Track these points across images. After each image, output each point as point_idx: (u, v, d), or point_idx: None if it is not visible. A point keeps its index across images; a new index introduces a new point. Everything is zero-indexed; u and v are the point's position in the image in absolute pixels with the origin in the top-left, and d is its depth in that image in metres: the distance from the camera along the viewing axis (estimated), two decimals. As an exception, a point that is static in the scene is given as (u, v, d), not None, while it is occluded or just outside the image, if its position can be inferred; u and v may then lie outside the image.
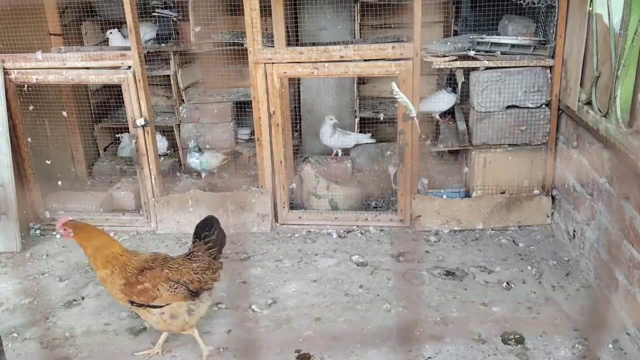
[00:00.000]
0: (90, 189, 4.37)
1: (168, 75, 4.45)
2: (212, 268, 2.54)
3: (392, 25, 4.67)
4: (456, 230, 3.60)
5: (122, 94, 3.58)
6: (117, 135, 4.85)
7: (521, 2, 3.24)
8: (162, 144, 4.64)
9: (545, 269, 3.12)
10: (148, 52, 4.19)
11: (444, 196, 3.63)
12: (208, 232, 2.59)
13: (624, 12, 2.48)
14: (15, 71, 3.57)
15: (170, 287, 2.42)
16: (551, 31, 3.24)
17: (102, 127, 4.78)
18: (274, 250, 3.51)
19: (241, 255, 3.46)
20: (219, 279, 2.59)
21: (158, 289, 2.41)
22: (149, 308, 2.44)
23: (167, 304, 2.44)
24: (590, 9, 2.87)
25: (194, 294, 2.47)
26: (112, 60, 3.53)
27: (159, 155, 4.53)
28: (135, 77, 3.50)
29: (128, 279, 2.40)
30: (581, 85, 3.00)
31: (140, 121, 3.56)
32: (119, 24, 4.37)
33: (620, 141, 2.48)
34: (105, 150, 4.88)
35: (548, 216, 3.51)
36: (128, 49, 3.54)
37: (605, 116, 2.67)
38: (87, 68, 3.56)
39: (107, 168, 4.66)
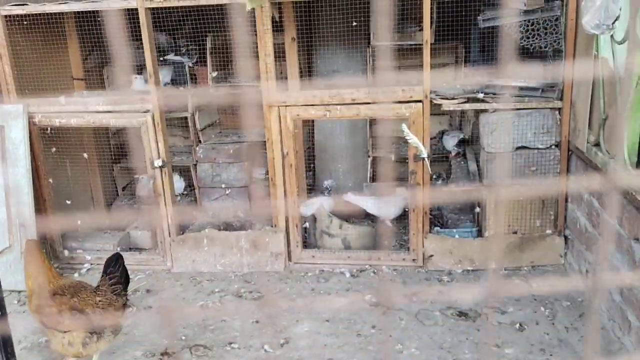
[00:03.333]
0: (109, 229, 4.47)
1: (186, 117, 4.59)
2: (115, 305, 2.58)
3: (404, 67, 4.77)
4: (469, 270, 3.60)
5: (141, 136, 3.70)
6: (135, 176, 4.96)
7: (528, 46, 3.31)
8: (180, 184, 4.74)
9: (559, 309, 3.11)
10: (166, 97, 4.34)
11: (456, 236, 3.65)
12: (113, 268, 2.66)
13: (628, 57, 2.54)
14: (40, 115, 3.72)
15: (72, 316, 2.52)
16: (559, 74, 3.30)
17: (121, 168, 4.90)
18: (287, 289, 3.54)
19: (254, 294, 3.49)
20: (122, 317, 2.63)
21: (62, 315, 2.52)
22: (54, 330, 2.56)
23: (67, 331, 2.53)
24: (596, 52, 2.93)
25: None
26: (132, 104, 3.66)
27: (176, 195, 4.64)
28: (154, 120, 3.62)
29: (40, 300, 2.56)
30: (589, 127, 3.04)
31: (157, 162, 3.67)
32: (140, 68, 4.54)
33: (628, 183, 2.50)
34: (124, 189, 4.99)
35: (561, 256, 3.50)
36: (148, 93, 3.68)
37: (613, 158, 2.70)
38: (108, 112, 3.69)
39: (126, 208, 4.76)
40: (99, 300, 2.56)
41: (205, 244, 3.78)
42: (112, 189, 4.91)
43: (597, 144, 2.92)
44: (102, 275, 2.67)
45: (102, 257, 3.79)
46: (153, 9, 3.48)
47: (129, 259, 3.91)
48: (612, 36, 2.68)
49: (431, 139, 3.83)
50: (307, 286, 3.56)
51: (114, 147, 4.88)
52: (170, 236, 3.83)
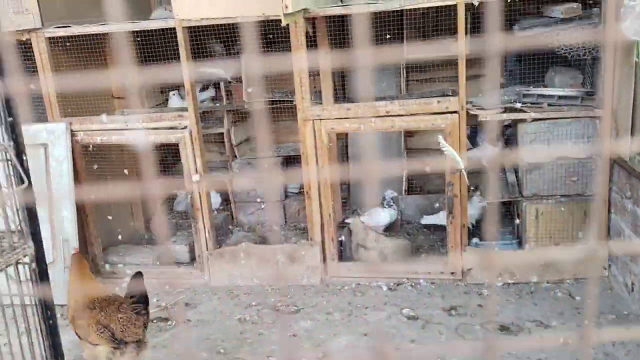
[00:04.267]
0: (148, 243, 4.56)
1: (222, 133, 4.66)
2: (135, 323, 2.61)
3: (438, 79, 4.75)
4: (509, 284, 3.53)
5: (179, 152, 3.77)
6: (174, 191, 5.04)
7: (567, 54, 3.26)
8: (216, 199, 4.80)
9: (604, 323, 3.01)
10: (203, 112, 4.42)
11: (496, 248, 3.58)
12: (135, 287, 2.69)
13: (672, 62, 2.47)
14: (82, 133, 3.83)
15: (97, 329, 2.60)
16: (598, 82, 3.23)
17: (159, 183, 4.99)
18: (324, 302, 3.53)
19: (291, 307, 3.49)
20: (143, 335, 2.65)
21: (89, 329, 2.61)
22: (86, 342, 2.66)
23: (96, 344, 2.61)
24: (637, 59, 2.87)
25: (119, 343, 2.59)
26: (170, 121, 3.74)
27: (213, 209, 4.70)
28: (191, 136, 3.69)
29: (75, 312, 2.68)
30: (632, 135, 2.96)
31: (195, 177, 3.73)
32: (177, 86, 4.64)
33: (676, 191, 2.42)
34: (162, 205, 5.08)
35: (605, 268, 3.40)
36: (185, 109, 3.75)
37: (659, 166, 2.63)
38: (147, 128, 3.78)
39: (164, 222, 4.84)
40: (120, 317, 2.61)
41: (242, 258, 3.81)
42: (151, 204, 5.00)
43: (641, 153, 2.85)
44: (126, 293, 2.73)
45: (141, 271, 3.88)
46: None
47: (168, 273, 4.00)
48: (654, 42, 2.62)
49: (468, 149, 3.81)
50: (343, 300, 3.54)
51: (153, 163, 4.97)
52: (207, 250, 3.87)
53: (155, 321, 3.48)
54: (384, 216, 4.03)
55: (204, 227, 3.85)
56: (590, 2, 3.18)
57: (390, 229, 4.14)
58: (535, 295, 3.38)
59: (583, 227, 3.41)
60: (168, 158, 4.95)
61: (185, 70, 3.53)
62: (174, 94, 4.58)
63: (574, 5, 3.19)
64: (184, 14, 3.42)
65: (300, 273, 3.76)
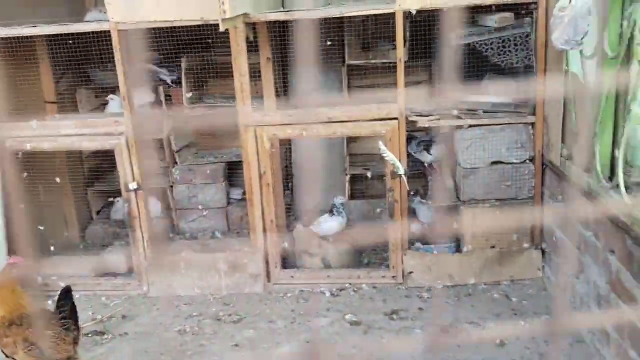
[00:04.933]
0: (83, 253, 4.39)
1: (161, 138, 4.54)
2: (65, 339, 2.53)
3: (380, 86, 4.81)
4: (449, 286, 3.60)
5: (114, 158, 3.65)
6: (110, 199, 4.87)
7: (500, 63, 3.36)
8: (156, 207, 4.67)
9: (539, 324, 3.12)
10: (142, 118, 4.30)
11: (435, 252, 3.65)
12: (63, 301, 2.61)
13: (597, 71, 2.59)
14: (10, 139, 3.64)
15: (25, 347, 2.49)
16: (531, 89, 3.35)
17: (95, 191, 4.82)
18: (267, 310, 3.49)
19: (233, 317, 3.44)
20: (74, 351, 2.57)
21: (16, 346, 2.49)
22: None
23: None
24: (566, 68, 2.99)
25: None
26: (106, 127, 3.61)
27: (153, 217, 4.57)
28: (127, 143, 3.57)
29: (0, 329, 2.54)
30: (562, 140, 3.08)
31: (132, 185, 3.61)
32: (115, 89, 4.49)
33: (601, 195, 2.53)
34: (98, 213, 4.90)
35: (539, 269, 3.52)
36: (122, 115, 3.63)
37: (586, 171, 2.74)
38: (81, 135, 3.63)
39: (100, 232, 4.68)
40: (49, 334, 2.50)
41: (182, 267, 3.72)
42: (87, 213, 4.82)
43: (570, 158, 2.96)
44: (55, 309, 2.61)
45: (76, 283, 3.73)
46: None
47: (104, 285, 3.86)
48: (581, 52, 2.73)
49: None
50: (287, 307, 3.51)
51: (87, 170, 4.80)
52: (146, 260, 3.76)
53: (90, 335, 3.35)
54: (333, 225, 4.00)
55: (142, 236, 3.74)
56: (523, 12, 3.29)
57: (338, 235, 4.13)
58: (473, 297, 3.46)
59: (517, 230, 3.52)
60: (104, 164, 4.78)
61: (121, 75, 3.42)
62: (111, 99, 4.43)
63: (507, 14, 3.29)
64: (119, 17, 3.32)
65: (243, 281, 3.71)
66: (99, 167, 4.82)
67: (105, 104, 4.56)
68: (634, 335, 2.32)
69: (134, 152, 3.59)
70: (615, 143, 2.57)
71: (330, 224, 4.01)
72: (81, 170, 4.73)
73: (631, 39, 2.43)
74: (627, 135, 2.39)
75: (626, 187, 2.37)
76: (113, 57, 3.48)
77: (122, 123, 3.58)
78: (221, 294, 3.70)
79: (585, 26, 2.60)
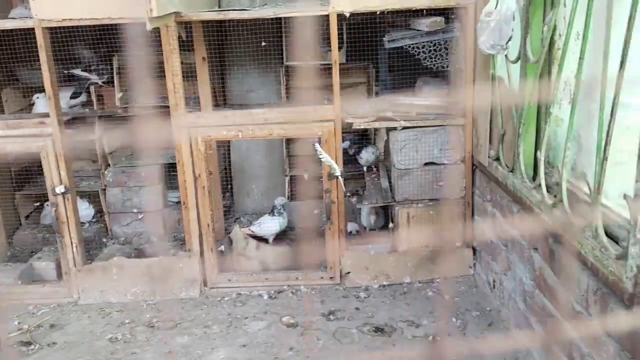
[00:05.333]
0: (10, 260, 4.20)
1: (93, 140, 4.39)
2: None
3: (318, 87, 4.82)
4: (385, 285, 3.65)
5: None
6: (37, 204, 4.67)
7: (432, 66, 3.44)
8: (88, 211, 4.52)
9: (470, 319, 3.20)
10: (73, 118, 4.16)
11: (372, 252, 3.69)
12: None
13: (521, 75, 2.68)
14: None
15: None
16: (461, 92, 3.44)
17: (23, 195, 4.61)
18: (203, 315, 3.43)
19: (168, 323, 3.36)
20: None
21: None
22: None
23: None
24: (493, 71, 3.08)
25: None
26: (31, 128, 3.46)
27: (85, 222, 4.43)
28: (54, 145, 3.44)
29: None
30: (490, 142, 3.18)
31: (59, 189, 3.48)
32: (43, 89, 4.31)
33: (525, 195, 2.63)
34: (27, 218, 4.69)
35: (470, 267, 3.62)
36: (48, 115, 3.49)
37: (511, 171, 2.84)
38: (5, 137, 3.47)
39: (29, 237, 4.48)
40: None
41: (114, 273, 3.61)
42: (14, 218, 4.60)
43: (497, 159, 3.06)
44: None
45: (2, 292, 3.56)
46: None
47: (32, 293, 3.69)
48: (506, 56, 2.82)
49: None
50: (223, 311, 3.47)
51: (15, 173, 4.59)
52: (75, 266, 3.62)
53: (15, 346, 3.20)
54: (273, 225, 4.00)
55: (72, 241, 3.60)
56: (453, 16, 3.38)
57: (279, 236, 4.12)
58: (407, 295, 3.52)
59: (450, 229, 3.60)
60: (33, 167, 4.58)
61: (47, 74, 3.28)
62: (38, 98, 4.25)
63: (438, 19, 3.37)
64: (44, 15, 3.18)
65: (178, 286, 3.63)
66: (28, 169, 4.62)
67: (32, 104, 4.38)
68: (558, 329, 2.42)
69: (61, 154, 3.45)
70: (537, 144, 2.67)
71: (270, 224, 4.00)
72: (8, 174, 4.52)
73: (552, 43, 2.54)
74: (548, 137, 2.48)
75: (547, 188, 2.46)
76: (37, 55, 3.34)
77: (48, 124, 3.44)
78: (155, 300, 3.61)
79: (509, 31, 2.69)
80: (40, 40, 3.22)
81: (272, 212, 4.05)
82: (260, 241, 3.94)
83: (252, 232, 3.99)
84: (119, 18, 3.20)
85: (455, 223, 3.59)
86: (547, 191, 2.45)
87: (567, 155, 2.21)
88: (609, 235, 2.00)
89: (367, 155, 4.10)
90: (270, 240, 4.00)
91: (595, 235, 2.01)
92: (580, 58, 2.10)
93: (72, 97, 4.31)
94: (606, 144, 1.91)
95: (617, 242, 1.99)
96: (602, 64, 1.91)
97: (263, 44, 3.88)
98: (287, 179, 4.68)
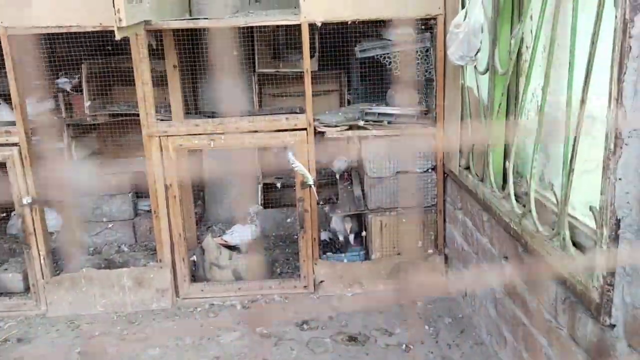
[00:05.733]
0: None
1: (62, 148, 4.31)
2: None
3: (290, 95, 4.82)
4: (359, 293, 3.66)
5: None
6: (4, 214, 4.56)
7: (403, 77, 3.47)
8: (57, 221, 4.42)
9: (442, 327, 3.23)
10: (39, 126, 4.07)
11: (345, 260, 3.70)
12: None
13: (489, 86, 2.73)
14: None
15: None
16: (432, 101, 3.48)
17: (-13, 204, 4.50)
18: (175, 327, 3.39)
19: (139, 335, 3.31)
20: None
21: None
22: None
23: None
24: (463, 82, 3.12)
25: None
26: (-5, 137, 3.38)
27: (52, 232, 4.33)
28: (21, 154, 3.36)
29: None
30: (460, 151, 3.22)
31: (26, 199, 3.40)
32: (6, 96, 4.21)
33: (495, 204, 2.66)
34: (-8, 228, 4.58)
35: (442, 275, 3.66)
36: (13, 124, 3.41)
37: (481, 180, 2.88)
38: (-32, 146, 3.38)
39: (-6, 248, 4.37)
40: None
41: (83, 284, 3.54)
42: (-21, 228, 4.49)
43: (468, 167, 3.10)
44: None
45: (-36, 306, 3.46)
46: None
47: (-3, 306, 3.60)
48: (475, 67, 2.87)
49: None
50: (195, 322, 3.43)
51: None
52: (43, 278, 3.54)
53: (-20, 362, 3.11)
54: (246, 234, 3.98)
55: (39, 253, 3.52)
56: (423, 27, 3.41)
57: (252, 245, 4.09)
58: (381, 303, 3.54)
59: (422, 237, 3.63)
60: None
61: (13, 82, 3.21)
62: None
63: (408, 29, 3.40)
64: (9, 22, 3.11)
65: (149, 297, 3.58)
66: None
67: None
68: (527, 337, 2.46)
69: (27, 164, 3.38)
70: (507, 154, 2.71)
71: (243, 233, 3.98)
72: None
73: (519, 55, 2.59)
74: (516, 147, 2.53)
75: (516, 197, 2.51)
76: (2, 63, 3.26)
77: (14, 133, 3.36)
78: (126, 312, 3.55)
79: (477, 43, 2.73)
80: (6, 47, 3.15)
81: (244, 221, 4.03)
82: (233, 250, 3.92)
83: (225, 241, 3.97)
84: (87, 26, 3.14)
85: (427, 231, 3.62)
86: (516, 200, 2.50)
87: (534, 167, 2.24)
88: (575, 244, 2.05)
89: (339, 164, 4.10)
90: (243, 249, 3.98)
91: (563, 245, 2.05)
92: (546, 70, 2.15)
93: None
94: (572, 157, 1.95)
95: (583, 252, 2.03)
96: (567, 75, 1.96)
97: (234, 53, 3.85)
98: (260, 186, 4.66)
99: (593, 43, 1.80)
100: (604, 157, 1.74)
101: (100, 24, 3.13)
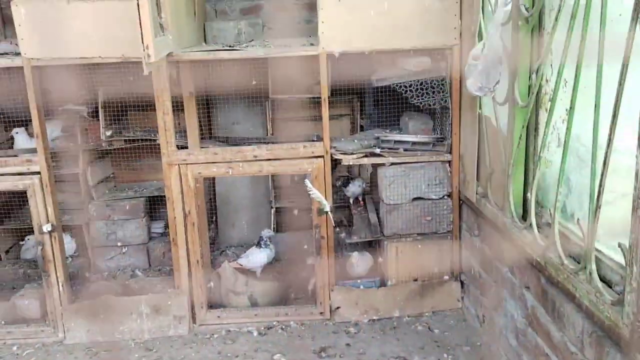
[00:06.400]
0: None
1: (77, 173, 4.34)
2: None
3: (303, 119, 4.87)
4: (375, 320, 3.67)
5: (25, 195, 3.45)
6: (21, 242, 4.56)
7: (418, 104, 3.52)
8: (70, 245, 4.45)
9: (460, 355, 3.24)
10: (55, 152, 4.10)
11: (361, 286, 3.72)
12: None
13: (509, 118, 2.77)
14: None
15: None
16: (447, 129, 3.53)
17: (3, 229, 4.52)
18: (192, 354, 3.40)
19: (157, 363, 3.32)
20: None
21: None
22: None
23: None
24: (480, 111, 3.17)
25: None
26: (18, 167, 3.41)
27: (67, 256, 4.34)
28: (42, 183, 3.39)
29: None
30: (477, 179, 3.26)
31: (47, 227, 3.43)
32: (25, 122, 4.25)
33: (516, 234, 2.69)
34: (7, 253, 4.60)
35: (458, 300, 3.68)
36: (34, 151, 3.45)
37: (501, 210, 2.91)
38: (-11, 174, 3.41)
39: (10, 273, 4.38)
40: None
41: (101, 312, 3.55)
42: (-7, 252, 4.50)
43: (485, 196, 3.13)
44: None
45: (-18, 333, 3.48)
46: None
47: (15, 333, 3.61)
48: (493, 97, 2.91)
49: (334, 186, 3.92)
50: (213, 349, 3.44)
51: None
52: (61, 305, 3.55)
53: (-1, 391, 3.12)
54: (261, 257, 4.01)
55: (58, 279, 3.54)
56: (439, 57, 3.46)
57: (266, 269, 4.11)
58: (397, 330, 3.55)
59: (438, 263, 3.66)
60: (13, 201, 4.49)
61: (35, 112, 3.25)
62: (17, 133, 4.18)
63: (425, 59, 3.45)
64: (33, 53, 3.16)
65: (167, 324, 3.59)
66: (8, 203, 4.52)
67: (12, 138, 4.30)
68: (549, 367, 2.47)
69: (48, 192, 3.41)
70: (527, 184, 2.74)
71: (258, 256, 4.00)
72: (-14, 208, 4.43)
73: (539, 89, 2.63)
74: (538, 179, 2.56)
75: (538, 228, 2.53)
76: (22, 90, 3.31)
77: (35, 162, 3.40)
78: (143, 339, 3.56)
79: (497, 75, 2.78)
80: (29, 79, 3.20)
81: (258, 244, 4.05)
82: (248, 274, 3.94)
83: (240, 265, 3.98)
84: (110, 57, 3.19)
85: (443, 257, 3.65)
86: (538, 231, 2.52)
87: (558, 200, 2.28)
88: (602, 278, 2.07)
89: (354, 188, 4.14)
90: (258, 273, 4.00)
91: (589, 279, 2.08)
92: (570, 108, 2.19)
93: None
94: (599, 194, 1.98)
95: (610, 286, 2.06)
96: (593, 116, 2.00)
97: (254, 82, 3.91)
98: (273, 210, 4.68)
99: (620, 84, 1.84)
100: (633, 197, 1.77)
101: (122, 55, 3.17)
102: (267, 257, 4.03)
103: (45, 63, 3.22)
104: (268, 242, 4.07)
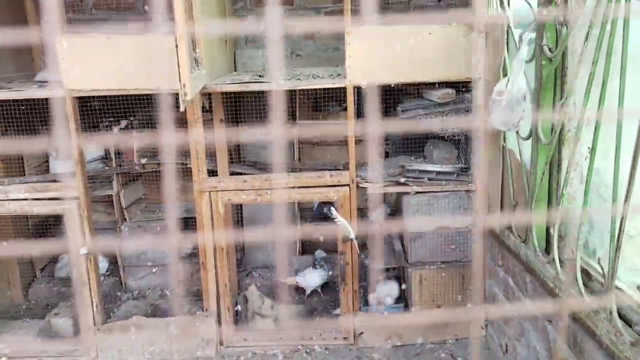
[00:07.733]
0: (27, 315, 4.25)
1: (110, 195, 4.51)
2: None
3: (330, 144, 4.97)
4: (398, 346, 3.72)
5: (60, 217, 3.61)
6: (57, 264, 4.74)
7: (443, 135, 3.59)
8: (103, 264, 4.60)
9: (483, 384, 3.28)
10: (91, 176, 4.28)
11: (385, 312, 3.78)
12: None
13: (532, 153, 2.82)
14: (-47, 203, 3.54)
15: None
16: (471, 159, 3.59)
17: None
18: (220, 376, 3.50)
19: (186, 384, 3.42)
20: None
21: None
22: None
23: None
24: (504, 144, 3.23)
25: None
26: (57, 192, 3.57)
27: (99, 275, 4.49)
28: (79, 207, 3.55)
29: None
30: (501, 210, 3.30)
31: (83, 250, 3.57)
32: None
33: (539, 268, 2.73)
34: (42, 270, 4.77)
35: (482, 328, 3.70)
36: (68, 175, 3.61)
37: (524, 242, 2.95)
38: (32, 200, 3.58)
39: (44, 290, 4.55)
40: None
41: (133, 332, 3.67)
42: (30, 270, 4.68)
43: (509, 227, 3.18)
44: None
45: (20, 350, 3.62)
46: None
47: (50, 351, 3.75)
48: (517, 132, 2.97)
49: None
50: (240, 371, 3.53)
51: (32, 226, 4.68)
52: (95, 325, 3.69)
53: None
54: (317, 278, 4.20)
55: (92, 300, 3.68)
56: (463, 89, 3.54)
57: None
58: (420, 356, 3.59)
59: (462, 291, 3.70)
60: (50, 220, 4.68)
61: (75, 142, 3.41)
62: (52, 156, 4.36)
63: (449, 90, 3.53)
64: (74, 85, 3.33)
65: (195, 345, 3.70)
66: (44, 223, 4.71)
67: (47, 161, 4.49)
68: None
69: (85, 217, 3.56)
70: (549, 221, 2.79)
71: (314, 276, 4.16)
72: (26, 227, 4.61)
73: (562, 127, 2.69)
74: (561, 215, 2.61)
75: (560, 262, 2.58)
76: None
77: (74, 188, 3.55)
78: (172, 359, 3.67)
79: (521, 111, 2.84)
80: (70, 109, 3.36)
81: (314, 265, 4.21)
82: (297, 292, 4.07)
83: (297, 282, 4.15)
84: (145, 89, 3.34)
85: (467, 285, 3.69)
86: (560, 266, 2.56)
87: (581, 238, 2.32)
88: (621, 316, 2.11)
89: (378, 215, 4.21)
90: (308, 291, 4.17)
91: (609, 318, 2.12)
92: (591, 149, 2.24)
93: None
94: (619, 234, 2.03)
95: (630, 325, 2.09)
96: (614, 160, 2.05)
97: (283, 110, 4.02)
98: (299, 234, 4.78)
99: (640, 130, 1.89)
100: (652, 242, 1.81)
101: (157, 87, 3.31)
102: (321, 278, 4.18)
103: (85, 94, 3.39)
104: (322, 263, 4.24)
